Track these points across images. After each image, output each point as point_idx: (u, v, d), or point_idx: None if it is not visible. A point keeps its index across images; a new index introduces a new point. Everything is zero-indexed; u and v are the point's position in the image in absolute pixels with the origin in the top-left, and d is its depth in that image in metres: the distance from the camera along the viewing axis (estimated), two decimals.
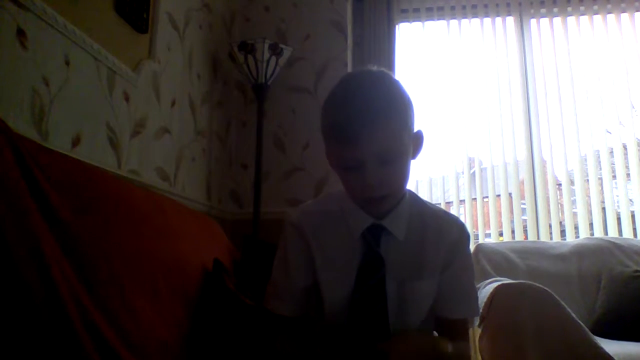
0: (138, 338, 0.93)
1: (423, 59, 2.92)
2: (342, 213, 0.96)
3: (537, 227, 2.72)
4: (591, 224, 2.70)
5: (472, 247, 2.31)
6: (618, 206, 2.81)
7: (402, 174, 0.89)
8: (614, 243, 2.24)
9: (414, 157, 0.92)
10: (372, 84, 0.86)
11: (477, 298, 1.03)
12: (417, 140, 0.92)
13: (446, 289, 0.97)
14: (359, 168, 0.84)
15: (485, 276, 2.02)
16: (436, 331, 1.00)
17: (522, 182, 2.81)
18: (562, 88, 2.81)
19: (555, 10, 2.87)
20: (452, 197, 2.85)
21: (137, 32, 1.61)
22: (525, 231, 2.78)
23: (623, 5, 2.81)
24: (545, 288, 1.54)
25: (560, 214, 2.80)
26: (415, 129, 0.92)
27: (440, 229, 0.96)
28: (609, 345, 1.51)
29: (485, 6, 2.90)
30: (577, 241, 2.34)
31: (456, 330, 0.98)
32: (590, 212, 2.71)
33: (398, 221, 0.94)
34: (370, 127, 0.81)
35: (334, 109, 0.86)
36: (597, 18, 2.84)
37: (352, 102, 0.83)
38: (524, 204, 2.79)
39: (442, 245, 0.95)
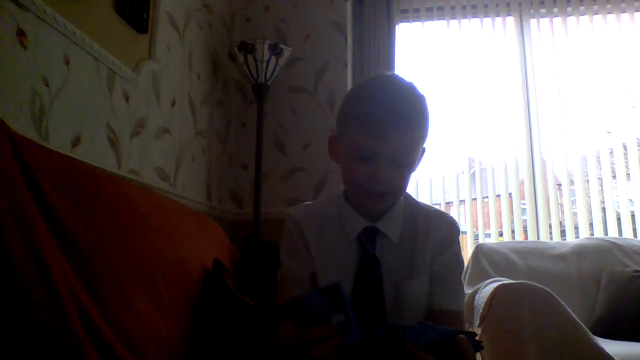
0: (138, 338, 0.93)
1: (423, 59, 2.91)
2: (339, 217, 1.01)
3: (537, 227, 2.72)
4: (591, 224, 2.70)
5: (472, 247, 2.31)
6: (618, 206, 2.81)
7: (406, 179, 0.95)
8: (614, 243, 2.24)
9: (414, 168, 0.97)
10: (411, 91, 0.93)
11: (462, 294, 1.03)
12: (421, 154, 0.99)
13: (432, 282, 0.98)
14: (372, 160, 0.90)
15: (485, 276, 2.02)
16: None
17: (522, 182, 2.81)
18: (562, 88, 2.81)
19: (555, 10, 2.87)
20: (452, 198, 2.86)
21: (137, 32, 1.61)
22: (525, 231, 2.78)
23: (623, 5, 2.81)
24: (546, 288, 1.54)
25: (560, 214, 2.80)
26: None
27: (429, 227, 1.00)
28: (609, 345, 1.51)
29: (485, 6, 2.89)
30: (577, 241, 2.33)
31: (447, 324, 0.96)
32: (590, 212, 2.71)
33: (392, 223, 0.99)
34: (404, 128, 0.89)
35: (371, 101, 0.91)
36: (597, 18, 2.84)
37: (394, 100, 0.90)
38: (524, 204, 2.79)
39: (429, 244, 0.99)
